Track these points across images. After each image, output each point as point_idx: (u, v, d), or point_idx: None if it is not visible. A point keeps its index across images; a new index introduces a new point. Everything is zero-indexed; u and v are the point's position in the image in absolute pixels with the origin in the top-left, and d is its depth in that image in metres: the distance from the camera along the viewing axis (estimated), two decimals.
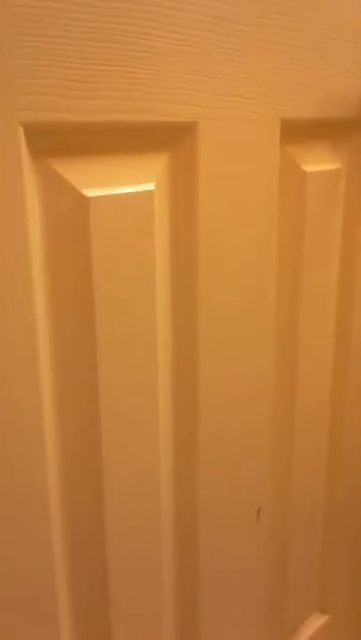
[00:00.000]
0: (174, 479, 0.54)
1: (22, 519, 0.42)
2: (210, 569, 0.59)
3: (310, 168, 0.59)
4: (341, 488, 0.77)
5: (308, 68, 0.56)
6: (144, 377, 0.48)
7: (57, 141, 0.40)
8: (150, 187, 0.45)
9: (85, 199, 0.41)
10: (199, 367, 0.52)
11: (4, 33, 0.34)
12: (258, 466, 0.62)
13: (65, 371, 0.44)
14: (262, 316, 0.58)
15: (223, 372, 0.55)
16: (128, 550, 0.50)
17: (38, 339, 0.41)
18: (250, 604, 0.66)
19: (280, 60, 0.52)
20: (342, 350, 0.71)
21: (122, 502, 0.48)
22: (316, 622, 0.81)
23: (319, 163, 0.61)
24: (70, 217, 0.41)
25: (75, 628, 0.49)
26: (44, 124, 0.38)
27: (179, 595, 0.58)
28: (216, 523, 0.58)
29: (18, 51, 0.35)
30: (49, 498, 0.43)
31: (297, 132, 0.58)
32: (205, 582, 0.58)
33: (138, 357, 0.47)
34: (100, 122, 0.41)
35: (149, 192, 0.45)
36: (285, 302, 0.63)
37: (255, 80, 0.50)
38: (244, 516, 0.62)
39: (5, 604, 0.42)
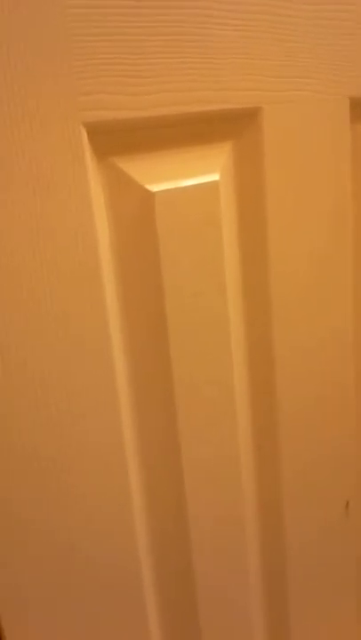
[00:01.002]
0: (256, 475, 0.54)
1: (108, 521, 0.43)
2: (297, 566, 0.57)
3: None
4: None
5: None
6: (218, 369, 0.47)
7: (119, 139, 0.40)
8: (215, 177, 0.45)
9: (150, 194, 0.41)
10: (274, 357, 0.51)
11: (60, 35, 0.35)
12: (344, 458, 0.60)
13: (139, 367, 0.44)
14: (339, 304, 0.56)
15: (301, 362, 0.53)
16: (213, 548, 0.50)
17: (111, 336, 0.41)
18: (340, 602, 0.64)
19: (341, 35, 0.50)
20: None
21: (204, 498, 0.48)
22: None
23: None
24: (136, 213, 0.41)
25: (164, 626, 0.50)
26: (106, 123, 0.38)
27: (267, 593, 0.57)
28: (302, 518, 0.57)
29: (75, 52, 0.36)
30: (131, 497, 0.44)
31: None
32: (294, 579, 0.57)
33: (211, 349, 0.47)
34: (161, 116, 0.41)
35: (214, 183, 0.45)
36: None
37: (317, 59, 0.49)
38: (332, 510, 0.60)
39: (97, 606, 0.43)
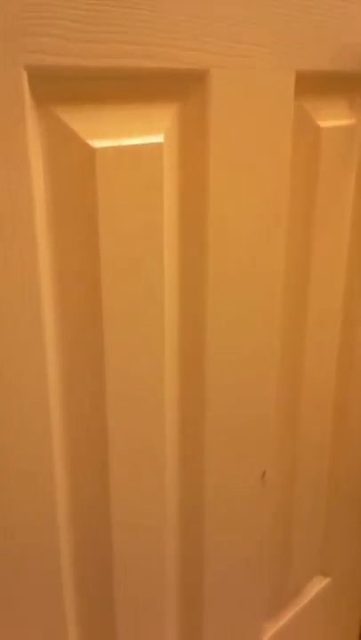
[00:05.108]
0: (180, 445, 0.54)
1: (27, 493, 0.41)
2: (214, 531, 0.58)
3: (325, 123, 0.57)
4: (347, 453, 0.76)
5: (324, 18, 0.53)
6: (150, 338, 0.47)
7: (62, 87, 0.38)
8: (159, 139, 0.43)
9: (92, 150, 0.39)
10: (206, 330, 0.51)
11: None
12: (263, 430, 0.61)
13: (69, 330, 0.42)
14: (271, 278, 0.56)
15: (231, 335, 0.53)
16: (133, 516, 0.49)
17: (42, 295, 0.39)
18: (254, 566, 0.66)
19: (293, 7, 0.50)
20: (351, 316, 0.70)
21: (127, 470, 0.47)
22: (317, 585, 0.81)
23: (334, 118, 0.58)
24: (76, 168, 0.39)
25: (79, 605, 0.49)
26: (50, 69, 0.36)
27: (183, 557, 0.58)
28: (221, 486, 0.58)
29: None
30: (53, 462, 0.42)
31: (312, 86, 0.55)
32: (210, 544, 0.58)
33: (144, 317, 0.46)
34: (109, 67, 0.38)
35: (158, 145, 0.43)
36: (295, 263, 0.61)
37: (268, 28, 0.48)
38: (250, 479, 0.62)
39: (12, 594, 0.42)
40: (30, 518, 0.42)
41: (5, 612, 0.42)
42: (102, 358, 0.43)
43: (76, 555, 0.48)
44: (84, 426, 0.45)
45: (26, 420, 0.40)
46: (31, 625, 0.44)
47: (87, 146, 0.39)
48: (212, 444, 0.55)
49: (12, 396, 0.39)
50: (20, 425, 0.40)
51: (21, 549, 0.42)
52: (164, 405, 0.50)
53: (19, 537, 0.42)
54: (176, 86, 0.44)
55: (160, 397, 0.49)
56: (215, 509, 0.57)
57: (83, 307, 0.42)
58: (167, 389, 0.51)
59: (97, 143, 0.39)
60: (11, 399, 0.39)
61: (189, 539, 0.57)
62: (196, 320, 0.50)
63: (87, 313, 0.42)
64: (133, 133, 0.42)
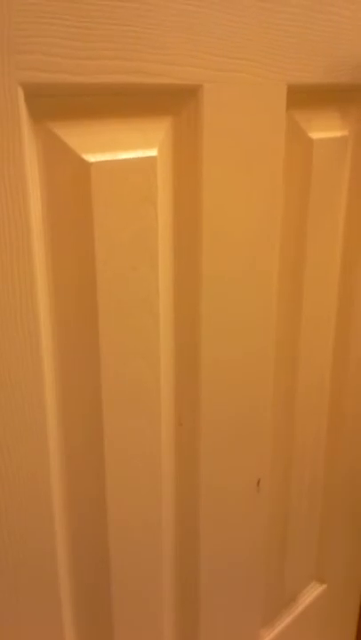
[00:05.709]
0: (175, 449, 0.54)
1: (23, 495, 0.42)
2: (210, 538, 0.59)
3: (317, 135, 0.58)
4: (341, 460, 0.77)
5: (316, 32, 0.54)
6: (146, 345, 0.47)
7: (58, 104, 0.39)
8: (153, 153, 0.44)
9: (87, 164, 0.40)
10: (201, 337, 0.51)
11: None
12: (258, 437, 0.62)
13: (66, 339, 0.43)
14: (265, 287, 0.57)
15: (225, 342, 0.54)
16: (129, 520, 0.50)
17: (38, 305, 0.40)
18: (250, 573, 0.66)
19: (286, 21, 0.50)
20: (344, 323, 0.71)
21: (124, 473, 0.48)
22: (313, 591, 0.82)
23: (326, 130, 0.59)
24: (71, 183, 0.40)
25: (76, 607, 0.50)
26: (45, 85, 0.37)
27: (179, 564, 0.58)
28: (217, 493, 0.58)
29: (17, 8, 0.34)
30: (49, 466, 0.43)
31: (304, 98, 0.56)
32: (206, 551, 0.59)
33: (140, 326, 0.46)
34: (103, 83, 0.39)
35: (152, 158, 0.44)
36: (288, 274, 0.62)
37: (261, 42, 0.49)
38: (245, 486, 0.62)
39: (8, 596, 0.42)
40: (27, 520, 0.42)
41: (2, 612, 0.43)
42: (98, 364, 0.44)
43: (72, 557, 0.48)
44: (80, 430, 0.45)
45: (22, 423, 0.40)
46: (28, 625, 0.45)
47: (82, 160, 0.40)
48: (207, 449, 0.55)
49: (9, 400, 0.39)
50: (17, 429, 0.40)
51: (18, 551, 0.42)
52: (160, 410, 0.50)
53: (15, 538, 0.42)
54: (169, 101, 0.45)
55: (156, 402, 0.49)
56: (211, 515, 0.58)
57: (79, 318, 0.43)
58: (163, 395, 0.51)
59: (92, 157, 0.40)
60: (7, 403, 0.39)
61: (185, 544, 0.58)
62: (191, 329, 0.51)
63: (83, 323, 0.43)
64: (128, 147, 0.43)
